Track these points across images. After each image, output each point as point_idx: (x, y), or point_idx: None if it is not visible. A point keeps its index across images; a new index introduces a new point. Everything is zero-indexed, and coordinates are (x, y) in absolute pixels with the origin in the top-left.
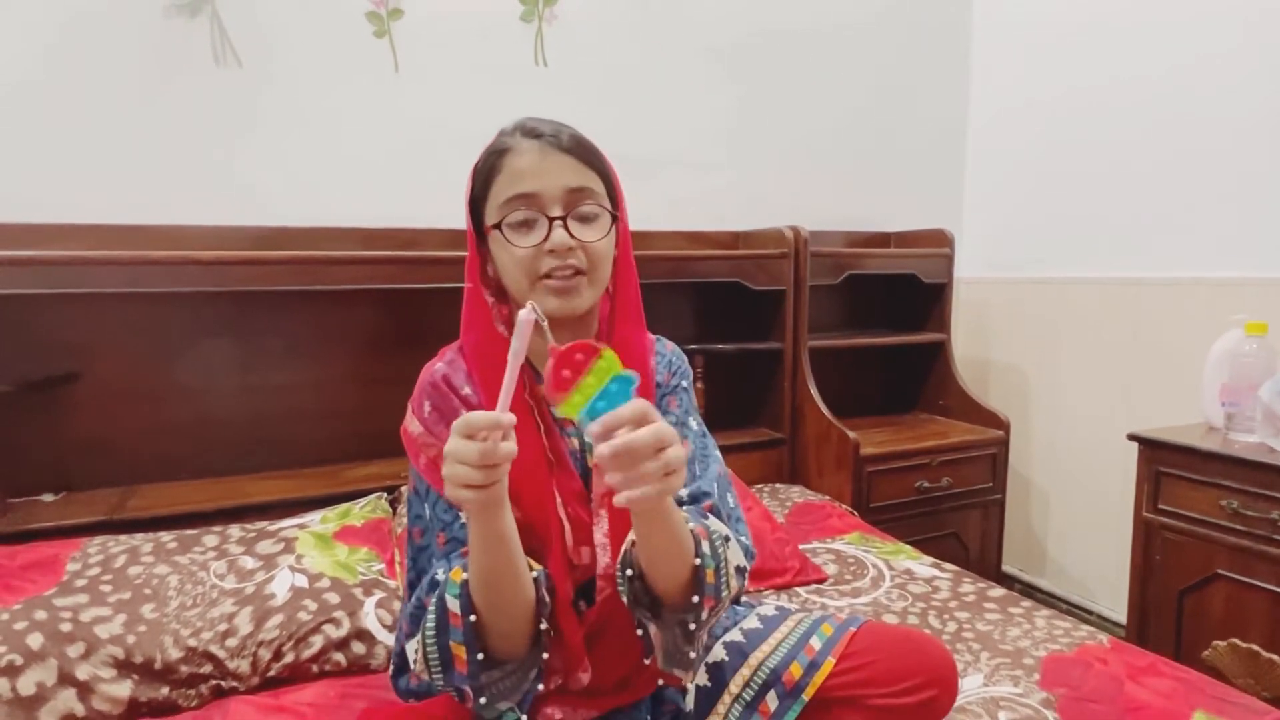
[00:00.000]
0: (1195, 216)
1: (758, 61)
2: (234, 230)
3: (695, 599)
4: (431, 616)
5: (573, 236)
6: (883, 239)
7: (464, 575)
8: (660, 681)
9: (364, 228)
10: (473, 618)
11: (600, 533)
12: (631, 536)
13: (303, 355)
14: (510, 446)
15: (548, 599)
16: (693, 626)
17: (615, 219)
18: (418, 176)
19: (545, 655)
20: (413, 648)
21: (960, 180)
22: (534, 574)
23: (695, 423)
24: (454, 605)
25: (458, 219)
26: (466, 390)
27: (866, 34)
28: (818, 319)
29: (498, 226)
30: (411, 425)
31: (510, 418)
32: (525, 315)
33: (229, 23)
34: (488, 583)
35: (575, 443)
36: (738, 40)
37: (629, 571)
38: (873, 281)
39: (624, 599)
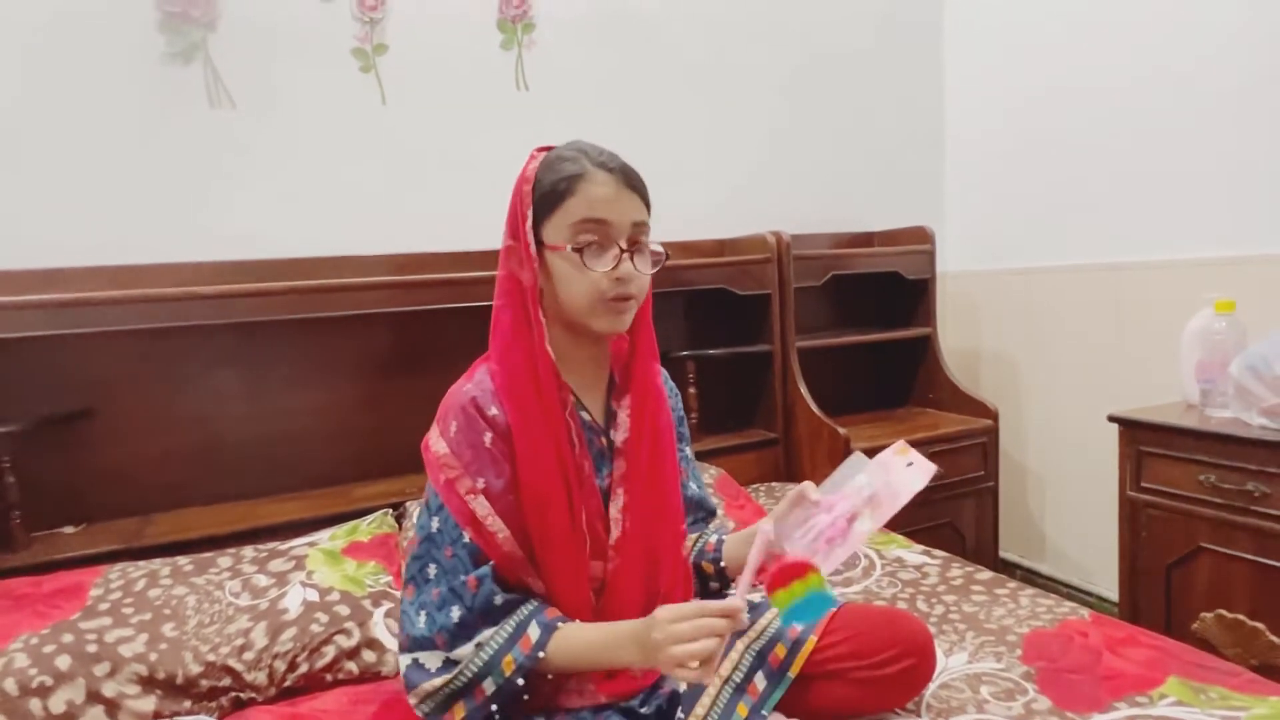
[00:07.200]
0: (1166, 200)
1: (733, 72)
2: (236, 264)
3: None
4: (507, 632)
5: (635, 268)
6: (866, 239)
7: (543, 641)
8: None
9: (360, 255)
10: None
11: (616, 508)
12: (721, 536)
13: (308, 381)
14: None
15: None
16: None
17: (667, 256)
18: (410, 202)
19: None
20: (468, 651)
21: (940, 177)
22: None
23: (688, 447)
24: (522, 658)
25: (451, 242)
26: (493, 411)
27: (839, 38)
28: (805, 320)
29: (579, 250)
30: (436, 444)
31: (741, 604)
32: (766, 530)
33: (221, 67)
34: (564, 668)
35: (604, 440)
36: (711, 53)
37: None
38: (857, 280)
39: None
